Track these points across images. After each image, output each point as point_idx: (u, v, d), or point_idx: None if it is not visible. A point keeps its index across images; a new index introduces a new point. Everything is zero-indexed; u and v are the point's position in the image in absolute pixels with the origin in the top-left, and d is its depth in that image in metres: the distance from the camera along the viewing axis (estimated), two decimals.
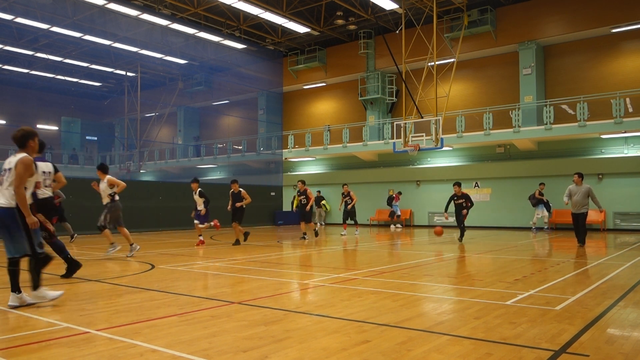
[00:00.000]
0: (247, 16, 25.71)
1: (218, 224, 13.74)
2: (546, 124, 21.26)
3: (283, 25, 26.14)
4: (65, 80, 35.41)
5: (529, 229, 21.14)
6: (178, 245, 14.37)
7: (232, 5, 23.45)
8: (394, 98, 28.06)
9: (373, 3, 22.84)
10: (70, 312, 5.37)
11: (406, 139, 21.13)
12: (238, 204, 13.84)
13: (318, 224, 25.50)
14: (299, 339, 4.19)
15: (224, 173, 33.89)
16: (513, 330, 4.46)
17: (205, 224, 13.36)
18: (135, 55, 30.27)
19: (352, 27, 27.27)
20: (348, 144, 27.03)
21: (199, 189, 13.31)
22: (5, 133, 36.80)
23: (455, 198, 14.42)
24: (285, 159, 29.93)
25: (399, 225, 24.75)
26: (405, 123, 21.40)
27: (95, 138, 40.62)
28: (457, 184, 14.49)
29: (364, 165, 28.02)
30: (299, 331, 4.45)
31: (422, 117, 21.35)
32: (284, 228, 24.00)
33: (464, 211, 14.33)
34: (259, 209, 25.30)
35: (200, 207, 13.29)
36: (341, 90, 30.70)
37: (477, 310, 5.29)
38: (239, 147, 32.89)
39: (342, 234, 18.29)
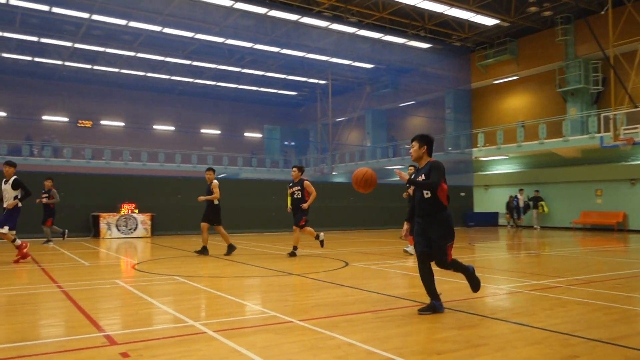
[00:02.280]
0: (432, 15, 25.40)
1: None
2: None
3: (470, 19, 25.24)
4: (266, 92, 39.16)
5: None
6: (370, 244, 14.81)
7: (416, 5, 23.42)
8: (600, 87, 25.03)
9: None
10: (276, 302, 5.92)
11: (616, 132, 18.70)
12: (202, 198, 11.18)
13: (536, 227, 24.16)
14: (495, 346, 4.00)
15: None
16: None
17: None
18: (325, 63, 32.10)
19: (547, 13, 25.12)
20: (545, 140, 24.91)
21: None
22: (220, 142, 41.99)
23: None
24: (475, 158, 28.79)
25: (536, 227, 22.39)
26: (615, 114, 18.95)
27: (293, 143, 44.04)
28: None
29: (564, 163, 25.53)
30: (495, 338, 4.24)
31: (636, 107, 18.67)
32: (475, 230, 23.11)
33: None
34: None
35: None
36: (535, 83, 28.44)
37: None
38: None
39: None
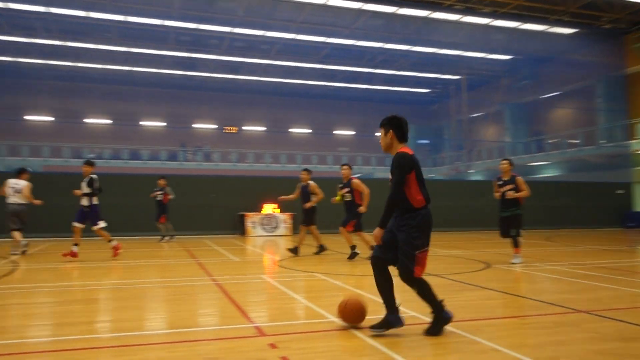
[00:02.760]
0: None
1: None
2: None
3: None
4: (398, 90, 38.94)
5: None
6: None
7: None
8: None
9: None
10: (416, 302, 5.82)
11: None
12: (308, 205, 10.73)
13: None
14: None
15: (558, 170, 31.48)
16: None
17: None
18: (458, 58, 31.05)
19: None
20: None
21: None
22: (354, 142, 42.58)
23: None
24: (634, 151, 25.81)
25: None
26: None
27: (427, 141, 43.24)
28: None
29: None
30: None
31: None
32: (636, 231, 20.72)
33: None
34: (602, 210, 22.56)
35: None
36: None
37: None
38: (575, 141, 29.99)
39: None
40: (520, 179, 9.16)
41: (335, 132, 42.58)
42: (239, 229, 18.22)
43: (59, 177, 17.65)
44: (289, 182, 20.47)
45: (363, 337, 4.21)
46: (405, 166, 4.16)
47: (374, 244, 4.37)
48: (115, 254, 10.15)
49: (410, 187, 4.19)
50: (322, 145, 40.45)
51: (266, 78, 35.57)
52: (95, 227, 9.86)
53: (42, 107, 35.95)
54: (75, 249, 9.72)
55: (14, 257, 10.39)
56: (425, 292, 4.36)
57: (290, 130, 41.53)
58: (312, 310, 5.36)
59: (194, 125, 38.76)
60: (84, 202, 9.76)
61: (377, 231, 4.29)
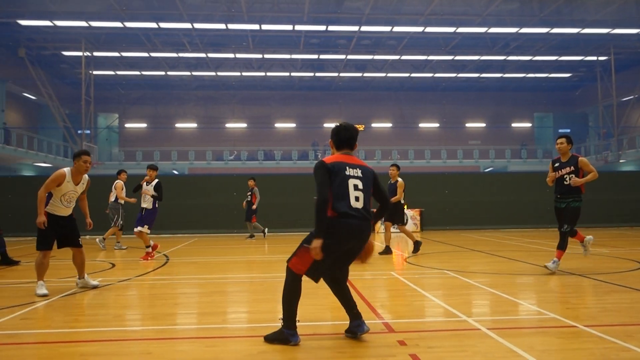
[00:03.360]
0: None
1: None
2: None
3: None
4: (535, 77, 36.36)
5: None
6: None
7: None
8: None
9: None
10: (555, 303, 5.46)
11: None
12: (394, 199, 10.11)
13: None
14: None
15: None
16: None
17: None
18: (606, 36, 28.18)
19: None
20: None
21: None
22: (486, 135, 40.80)
23: None
24: None
25: None
26: None
27: (568, 130, 39.89)
28: None
29: None
30: None
31: None
32: None
33: None
34: None
35: None
36: None
37: None
38: None
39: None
40: (583, 159, 7.25)
41: (466, 124, 41.03)
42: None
43: (201, 179, 19.27)
44: (418, 178, 20.21)
45: (497, 337, 4.03)
46: (319, 176, 3.88)
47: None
48: (147, 258, 9.78)
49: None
50: (452, 139, 39.22)
51: (393, 74, 35.38)
52: (138, 229, 9.67)
53: (188, 115, 39.50)
54: (149, 249, 9.81)
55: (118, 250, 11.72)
56: (286, 294, 3.99)
57: (418, 125, 40.88)
58: (443, 308, 5.25)
59: (324, 125, 39.88)
60: (147, 204, 9.78)
61: (316, 242, 3.78)
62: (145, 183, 9.94)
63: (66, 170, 6.23)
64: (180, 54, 30.96)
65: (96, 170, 31.38)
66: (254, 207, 14.73)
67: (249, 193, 14.85)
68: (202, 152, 36.57)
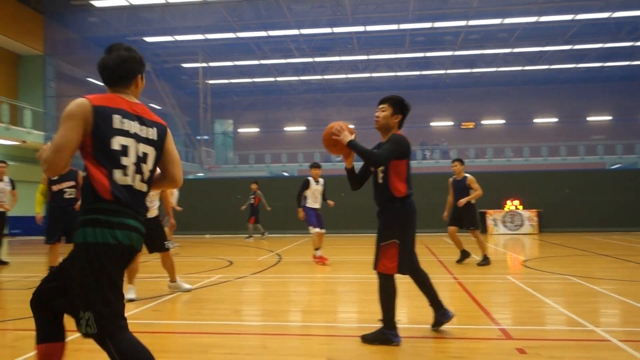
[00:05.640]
0: None
1: None
2: None
3: None
4: None
5: None
6: None
7: None
8: None
9: None
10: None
11: None
12: (463, 201, 8.80)
13: None
14: None
15: None
16: None
17: None
18: None
19: None
20: None
21: None
22: (611, 129, 37.52)
23: None
24: None
25: None
26: None
27: None
28: None
29: None
30: None
31: None
32: None
33: None
34: None
35: None
36: None
37: None
38: None
39: None
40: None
41: (587, 118, 37.95)
42: (479, 226, 17.70)
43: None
44: (534, 177, 19.07)
45: (632, 351, 3.68)
46: (404, 147, 4.02)
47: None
48: (320, 261, 9.27)
49: (397, 175, 4.01)
50: (572, 135, 36.46)
51: (505, 68, 33.68)
52: (318, 231, 9.29)
53: (297, 119, 40.69)
54: (319, 253, 9.38)
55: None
56: (383, 296, 3.98)
57: (533, 120, 38.53)
58: (566, 316, 4.90)
59: (431, 124, 39.02)
60: (319, 204, 9.47)
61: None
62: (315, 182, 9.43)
63: None
64: (288, 60, 31.99)
65: (213, 173, 33.43)
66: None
67: (252, 196, 15.53)
68: (311, 154, 37.48)
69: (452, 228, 9.06)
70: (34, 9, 23.21)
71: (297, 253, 11.51)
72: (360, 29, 26.65)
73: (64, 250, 7.98)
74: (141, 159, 2.54)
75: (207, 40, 27.97)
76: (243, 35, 27.23)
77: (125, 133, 2.48)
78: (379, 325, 4.05)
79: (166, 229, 13.13)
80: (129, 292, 5.87)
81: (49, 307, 2.51)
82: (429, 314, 4.40)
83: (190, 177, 32.08)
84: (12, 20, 22.12)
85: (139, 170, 2.52)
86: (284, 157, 37.73)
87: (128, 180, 2.47)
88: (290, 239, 15.29)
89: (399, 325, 4.03)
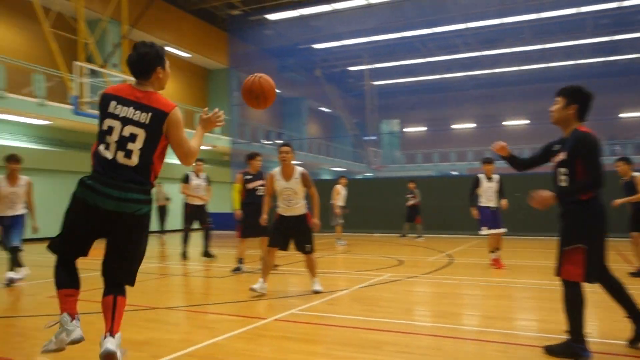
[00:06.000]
0: None
1: None
2: None
3: None
4: None
5: None
6: None
7: None
8: None
9: None
10: None
11: None
12: (619, 202, 7.66)
13: None
14: None
15: None
16: None
17: None
18: None
19: None
20: None
21: None
22: None
23: None
24: None
25: None
26: None
27: None
28: None
29: None
30: None
31: None
32: None
33: None
34: None
35: None
36: None
37: None
38: None
39: None
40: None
41: None
42: None
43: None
44: None
45: None
46: (599, 151, 3.62)
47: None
48: (498, 265, 8.85)
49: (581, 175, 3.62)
50: None
51: None
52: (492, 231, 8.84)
53: (465, 116, 39.32)
54: (494, 255, 8.83)
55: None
56: (569, 305, 3.63)
57: None
58: None
59: (620, 115, 34.71)
60: (494, 203, 8.94)
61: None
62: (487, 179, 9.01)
63: None
64: (455, 56, 31.07)
65: (381, 173, 33.92)
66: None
67: (410, 195, 15.31)
68: (481, 152, 35.91)
69: (636, 234, 7.82)
70: (219, 28, 26.01)
71: (470, 255, 11.15)
72: (534, 16, 24.78)
73: (252, 245, 8.82)
74: (127, 139, 3.07)
75: (371, 42, 28.49)
76: (407, 35, 27.17)
77: (115, 116, 3.09)
78: (565, 336, 3.75)
79: (337, 227, 13.87)
80: (315, 285, 6.31)
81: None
82: (626, 328, 3.95)
83: (358, 177, 33.06)
84: (202, 40, 25.08)
85: (122, 147, 3.06)
86: (452, 156, 36.77)
87: (108, 155, 3.07)
88: (462, 240, 14.85)
89: (588, 339, 3.67)
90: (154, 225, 18.63)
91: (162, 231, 18.31)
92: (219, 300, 6.01)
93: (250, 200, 8.17)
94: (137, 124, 3.08)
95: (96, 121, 3.32)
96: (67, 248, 3.12)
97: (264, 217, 6.66)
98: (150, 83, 3.22)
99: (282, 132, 32.25)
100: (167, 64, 3.30)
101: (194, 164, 10.26)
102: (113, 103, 3.10)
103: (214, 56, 25.85)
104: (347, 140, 37.20)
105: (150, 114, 3.10)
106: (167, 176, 21.19)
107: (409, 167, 36.88)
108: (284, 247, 6.21)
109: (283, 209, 6.18)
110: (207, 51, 25.39)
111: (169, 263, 10.57)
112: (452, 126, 40.00)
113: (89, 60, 15.01)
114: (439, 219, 16.63)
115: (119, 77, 15.01)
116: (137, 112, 3.09)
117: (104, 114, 3.12)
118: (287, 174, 6.13)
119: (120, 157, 3.07)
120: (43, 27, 13.27)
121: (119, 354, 2.93)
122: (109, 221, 3.04)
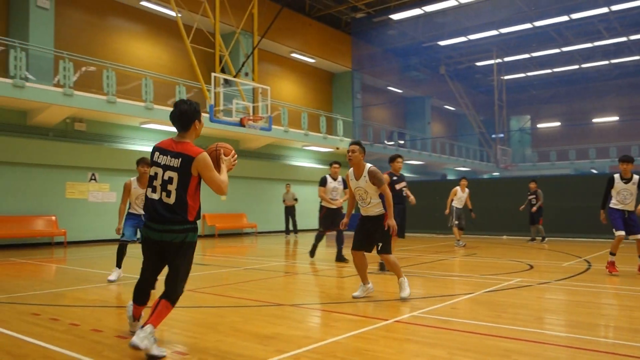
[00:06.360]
0: None
1: None
2: None
3: None
4: None
5: None
6: None
7: None
8: None
9: None
10: None
11: None
12: None
13: None
14: None
15: None
16: None
17: None
18: None
19: None
20: None
21: None
22: None
23: None
24: None
25: None
26: None
27: None
28: None
29: None
30: None
31: None
32: None
33: None
34: None
35: None
36: None
37: None
38: None
39: None
40: None
41: None
42: None
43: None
44: None
45: None
46: None
47: None
48: (611, 269, 8.25)
49: None
50: None
51: None
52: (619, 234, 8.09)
53: (608, 108, 35.78)
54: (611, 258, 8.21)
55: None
56: None
57: None
58: None
59: None
60: (630, 207, 8.15)
61: None
62: None
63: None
64: (596, 43, 28.39)
65: (511, 172, 32.13)
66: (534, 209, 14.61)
67: (532, 196, 14.68)
68: (626, 148, 32.47)
69: None
70: (343, 32, 26.48)
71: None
72: None
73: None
74: (167, 182, 3.85)
75: (500, 35, 27.10)
76: (541, 24, 25.44)
77: (158, 164, 3.92)
78: None
79: (454, 229, 13.44)
80: (402, 289, 5.99)
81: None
82: None
83: (485, 176, 31.64)
84: (327, 44, 25.71)
85: (164, 189, 3.85)
86: (591, 153, 33.72)
87: (155, 196, 3.90)
88: (601, 245, 13.59)
89: None
90: (281, 224, 19.57)
91: (289, 231, 19.07)
92: (342, 300, 6.15)
93: (397, 202, 7.90)
94: (172, 168, 3.86)
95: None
96: (144, 269, 4.14)
97: (345, 221, 6.58)
98: (189, 135, 4.01)
99: (404, 132, 31.94)
100: (202, 116, 4.10)
101: (330, 167, 10.49)
102: (157, 154, 3.97)
103: (338, 60, 26.37)
104: (472, 139, 35.72)
105: (180, 159, 3.86)
106: (296, 178, 22.25)
107: (541, 166, 34.52)
108: (368, 249, 6.08)
109: (361, 210, 6.13)
110: (331, 55, 25.99)
111: (296, 262, 11.02)
112: (593, 120, 36.61)
113: (223, 70, 16.12)
114: (576, 220, 15.41)
115: (250, 84, 15.93)
116: (172, 159, 3.88)
117: (151, 162, 3.99)
118: (357, 173, 6.06)
119: (164, 196, 3.88)
120: (185, 43, 14.49)
121: (146, 343, 3.59)
122: (159, 248, 3.94)
